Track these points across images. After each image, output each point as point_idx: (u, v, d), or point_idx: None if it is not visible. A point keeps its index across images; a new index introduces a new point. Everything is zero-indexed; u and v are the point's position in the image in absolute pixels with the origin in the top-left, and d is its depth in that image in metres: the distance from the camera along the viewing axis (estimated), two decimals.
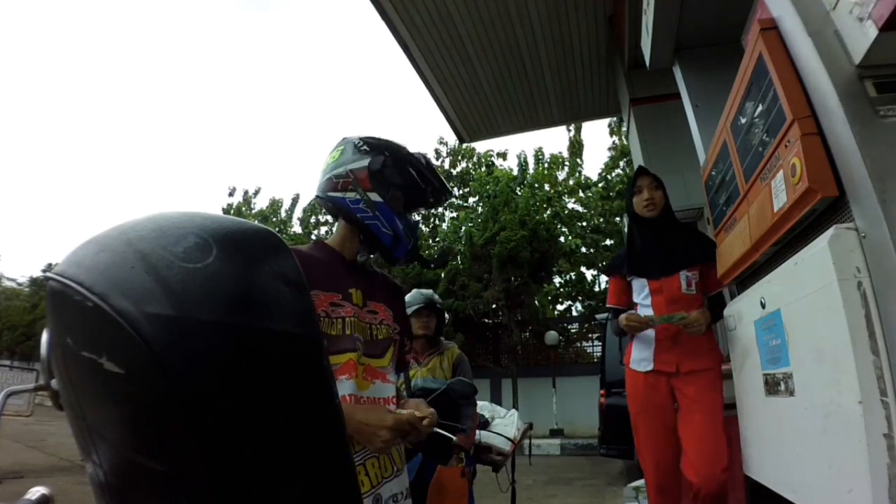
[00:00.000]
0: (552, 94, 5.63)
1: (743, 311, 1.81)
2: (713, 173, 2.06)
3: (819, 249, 1.23)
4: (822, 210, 1.31)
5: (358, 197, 1.31)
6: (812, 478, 1.36)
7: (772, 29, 1.47)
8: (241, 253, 0.33)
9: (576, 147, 14.56)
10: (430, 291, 2.99)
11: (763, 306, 1.61)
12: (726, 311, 1.99)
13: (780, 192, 1.42)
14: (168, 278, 0.30)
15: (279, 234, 0.37)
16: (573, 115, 6.35)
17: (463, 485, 2.43)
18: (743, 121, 1.69)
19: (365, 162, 1.31)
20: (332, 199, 1.32)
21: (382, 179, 1.32)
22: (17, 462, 6.45)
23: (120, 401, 0.31)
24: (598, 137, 20.38)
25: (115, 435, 0.32)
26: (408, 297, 2.92)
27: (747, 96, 1.65)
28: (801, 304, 1.36)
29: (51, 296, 0.33)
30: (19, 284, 29.47)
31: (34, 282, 27.85)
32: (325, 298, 1.25)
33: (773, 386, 1.60)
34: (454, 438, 2.25)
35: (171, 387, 0.29)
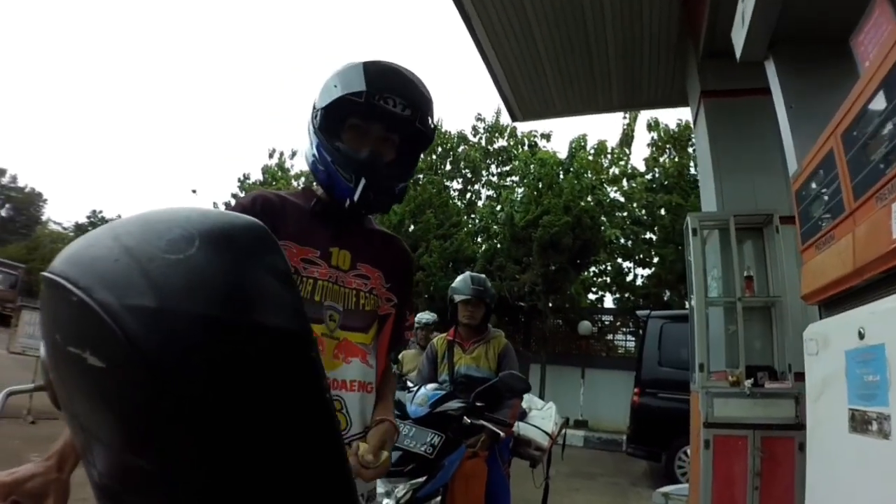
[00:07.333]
0: (614, 78, 5.35)
1: (830, 336, 1.66)
2: (810, 183, 1.88)
3: None
4: None
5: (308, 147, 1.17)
6: None
7: None
8: (224, 245, 0.32)
9: (629, 137, 14.13)
10: (482, 278, 2.88)
11: (861, 337, 1.47)
12: (806, 334, 1.84)
13: None
14: (151, 270, 0.30)
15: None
16: (634, 102, 6.09)
17: (480, 466, 2.31)
18: (860, 131, 1.52)
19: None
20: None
21: (314, 113, 1.14)
22: None
23: (105, 397, 0.30)
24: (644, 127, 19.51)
25: (104, 433, 0.32)
26: (458, 283, 2.85)
27: (870, 103, 1.47)
28: None
29: (42, 292, 0.33)
30: (65, 229, 30.70)
31: (79, 228, 29.02)
32: (298, 252, 1.10)
33: (861, 424, 1.47)
34: (502, 434, 2.20)
35: (152, 380, 0.28)
